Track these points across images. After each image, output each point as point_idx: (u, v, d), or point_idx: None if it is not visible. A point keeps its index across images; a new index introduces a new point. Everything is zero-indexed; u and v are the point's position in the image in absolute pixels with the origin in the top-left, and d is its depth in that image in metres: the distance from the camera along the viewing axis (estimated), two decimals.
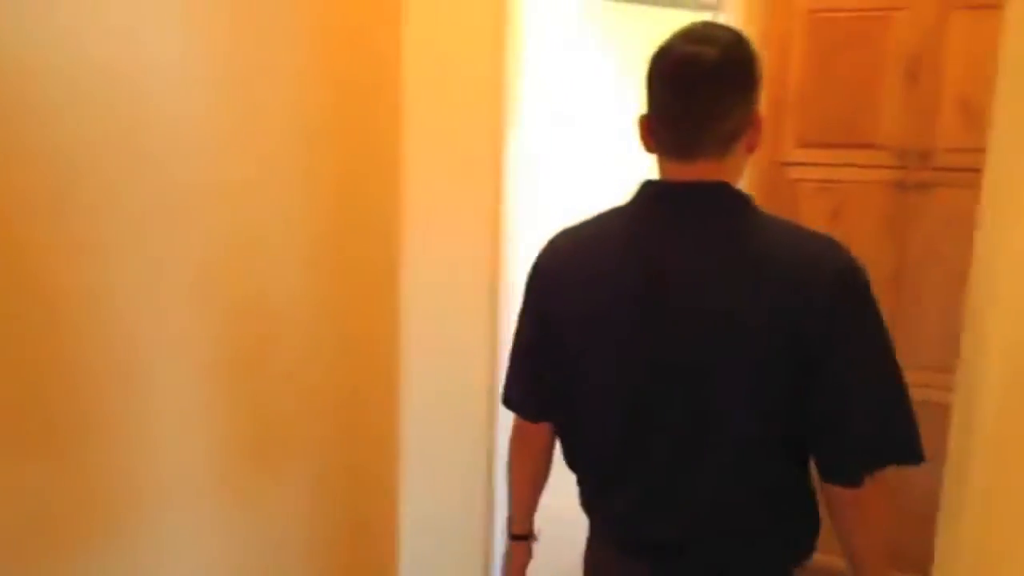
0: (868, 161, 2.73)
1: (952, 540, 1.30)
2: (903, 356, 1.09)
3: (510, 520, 1.41)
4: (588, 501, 1.28)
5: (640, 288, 1.09)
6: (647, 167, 1.20)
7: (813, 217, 2.80)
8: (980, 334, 1.23)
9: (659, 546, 1.15)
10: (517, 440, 1.37)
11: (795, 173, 2.80)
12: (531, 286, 1.25)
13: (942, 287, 2.71)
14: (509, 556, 1.41)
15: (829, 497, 1.14)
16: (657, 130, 1.13)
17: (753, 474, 1.11)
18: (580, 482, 1.28)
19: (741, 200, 1.12)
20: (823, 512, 1.17)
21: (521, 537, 1.40)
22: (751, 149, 1.16)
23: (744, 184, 1.16)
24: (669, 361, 1.09)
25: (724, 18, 2.69)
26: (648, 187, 1.15)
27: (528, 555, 1.41)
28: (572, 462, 1.28)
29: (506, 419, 1.42)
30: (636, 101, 1.19)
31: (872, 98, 2.68)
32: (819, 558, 1.24)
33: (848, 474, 1.09)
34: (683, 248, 1.09)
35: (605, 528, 1.26)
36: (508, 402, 1.34)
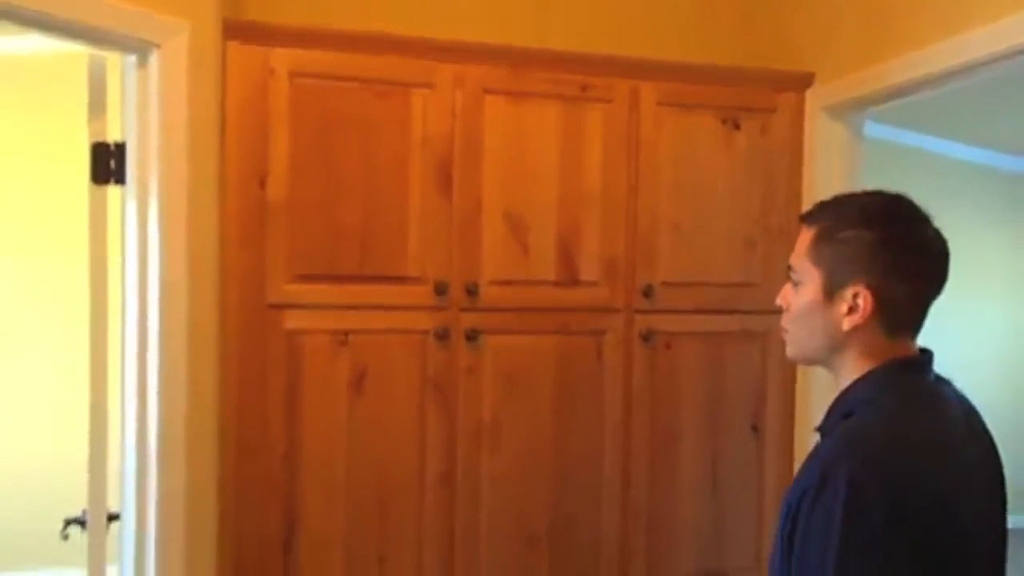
0: (398, 301, 1.81)
1: None
2: None
3: None
4: None
5: (969, 462, 1.20)
6: None
7: (329, 388, 1.75)
8: None
9: None
10: None
11: (291, 320, 1.74)
12: (897, 504, 1.09)
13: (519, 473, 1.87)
14: None
15: None
16: (903, 308, 1.13)
17: None
18: None
19: None
20: None
21: None
22: None
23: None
24: (987, 523, 1.23)
25: (157, 64, 1.59)
26: (909, 368, 1.17)
27: None
28: None
29: None
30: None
31: (395, 208, 1.80)
32: None
33: None
34: (959, 419, 1.21)
35: None
36: None
